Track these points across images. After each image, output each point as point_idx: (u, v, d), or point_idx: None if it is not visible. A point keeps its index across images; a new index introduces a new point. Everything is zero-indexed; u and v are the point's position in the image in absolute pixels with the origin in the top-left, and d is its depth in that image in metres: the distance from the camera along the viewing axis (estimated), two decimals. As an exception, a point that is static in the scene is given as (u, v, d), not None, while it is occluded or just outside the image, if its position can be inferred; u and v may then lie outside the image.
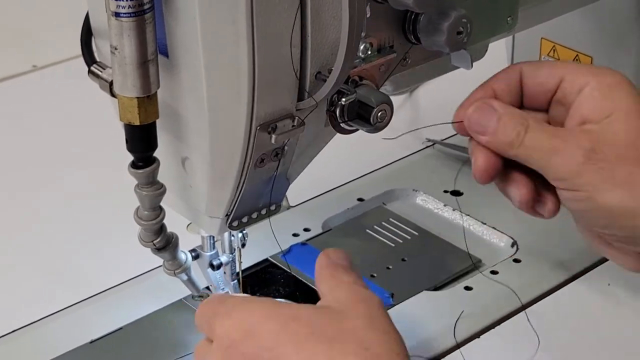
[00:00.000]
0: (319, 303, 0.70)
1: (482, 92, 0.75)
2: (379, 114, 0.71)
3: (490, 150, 0.73)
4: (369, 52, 0.72)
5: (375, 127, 0.71)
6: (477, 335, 0.83)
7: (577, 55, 1.06)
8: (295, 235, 0.96)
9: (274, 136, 0.69)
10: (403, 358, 0.66)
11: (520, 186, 0.74)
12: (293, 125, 0.70)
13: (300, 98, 0.70)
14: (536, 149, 0.71)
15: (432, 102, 1.17)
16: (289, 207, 0.99)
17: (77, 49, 0.96)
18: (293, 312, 0.67)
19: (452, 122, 0.75)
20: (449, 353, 0.82)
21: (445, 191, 1.02)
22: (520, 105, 0.75)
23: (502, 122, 0.72)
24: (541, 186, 0.74)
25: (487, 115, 0.73)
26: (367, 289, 0.71)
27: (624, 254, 0.74)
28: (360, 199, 1.01)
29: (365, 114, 0.71)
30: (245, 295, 0.70)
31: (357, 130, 0.73)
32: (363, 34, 0.69)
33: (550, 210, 0.74)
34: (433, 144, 1.08)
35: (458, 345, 0.82)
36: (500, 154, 0.73)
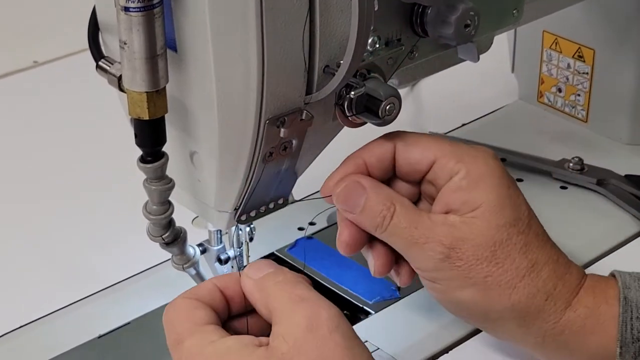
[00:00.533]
0: (272, 335, 0.66)
1: (353, 164, 0.75)
2: (388, 107, 0.71)
3: (356, 225, 0.75)
4: (377, 46, 0.73)
5: (384, 120, 0.71)
6: (476, 332, 0.83)
7: (579, 47, 1.06)
8: (300, 229, 0.96)
9: (282, 130, 0.70)
10: None
11: (378, 257, 0.76)
12: (302, 119, 0.70)
13: (308, 92, 0.70)
14: (399, 237, 0.73)
15: (435, 96, 1.17)
16: (294, 201, 0.99)
17: (79, 45, 0.97)
18: None
19: (322, 197, 0.76)
20: (457, 345, 0.82)
21: (450, 184, 1.02)
22: (393, 175, 0.77)
23: (369, 204, 0.73)
24: (400, 258, 0.76)
25: (355, 194, 0.74)
26: (314, 301, 0.67)
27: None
28: (365, 193, 1.01)
29: (373, 107, 0.71)
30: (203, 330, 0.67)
31: (364, 123, 0.74)
32: (371, 28, 0.69)
33: (404, 282, 0.77)
34: (437, 137, 1.08)
35: (465, 338, 0.82)
36: (365, 231, 0.75)
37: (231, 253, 0.83)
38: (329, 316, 0.65)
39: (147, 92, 0.67)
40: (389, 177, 0.77)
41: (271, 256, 0.93)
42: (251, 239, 0.83)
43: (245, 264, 0.84)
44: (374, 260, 0.76)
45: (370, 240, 0.76)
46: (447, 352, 0.81)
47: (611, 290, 0.74)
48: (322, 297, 0.67)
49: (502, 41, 1.10)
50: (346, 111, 0.72)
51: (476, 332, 0.83)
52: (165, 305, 0.84)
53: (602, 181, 0.99)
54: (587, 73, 1.06)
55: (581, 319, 0.73)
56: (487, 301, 0.73)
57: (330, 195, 0.75)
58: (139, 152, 0.71)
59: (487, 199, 0.73)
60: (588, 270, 0.77)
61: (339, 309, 0.66)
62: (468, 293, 0.73)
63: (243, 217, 0.75)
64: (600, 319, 0.73)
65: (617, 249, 0.93)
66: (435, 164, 0.75)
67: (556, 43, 1.08)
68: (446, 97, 1.17)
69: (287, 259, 0.92)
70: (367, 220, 0.74)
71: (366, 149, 0.76)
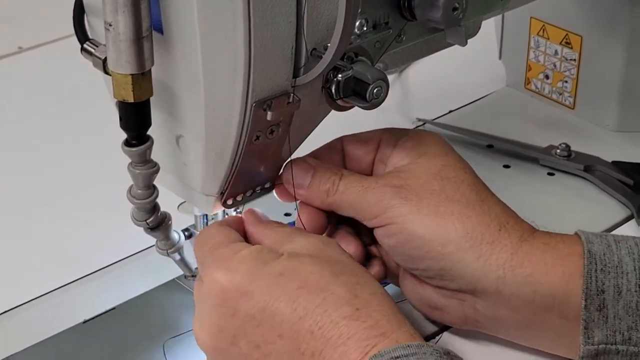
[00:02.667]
0: (286, 251, 0.71)
1: (306, 160, 0.78)
2: (375, 91, 0.71)
3: (312, 207, 0.77)
4: (365, 29, 0.72)
5: (371, 103, 0.71)
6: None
7: (566, 34, 1.06)
8: (287, 214, 0.95)
9: (269, 113, 0.69)
10: (386, 294, 0.69)
11: (348, 243, 0.78)
12: (289, 102, 0.70)
13: (295, 75, 0.70)
14: (350, 192, 0.76)
15: (422, 82, 1.17)
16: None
17: (64, 30, 0.96)
18: (280, 267, 0.69)
19: (274, 185, 0.78)
20: (444, 331, 0.82)
21: (437, 170, 1.01)
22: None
23: (318, 174, 0.76)
24: (369, 252, 0.79)
25: (303, 171, 0.77)
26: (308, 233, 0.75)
27: (449, 306, 0.77)
28: (351, 179, 1.01)
29: (361, 91, 0.71)
30: (240, 246, 0.72)
31: (352, 107, 0.73)
32: (359, 10, 0.69)
33: (377, 273, 0.79)
34: (424, 124, 1.08)
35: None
36: (319, 206, 0.77)
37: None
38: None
39: (132, 74, 0.67)
40: None
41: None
42: (237, 224, 0.82)
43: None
44: (346, 247, 0.77)
45: (336, 234, 0.79)
46: (434, 337, 0.80)
47: (575, 245, 0.74)
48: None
49: (489, 28, 1.10)
50: (333, 94, 0.72)
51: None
52: (150, 290, 0.86)
53: (589, 167, 0.99)
54: (575, 60, 1.06)
55: (540, 252, 0.73)
56: (442, 231, 0.73)
57: (281, 184, 0.78)
58: (124, 135, 0.70)
59: (430, 149, 0.77)
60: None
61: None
62: (423, 224, 0.73)
63: (229, 201, 0.75)
64: (560, 253, 0.73)
65: (604, 235, 0.93)
66: (381, 141, 0.79)
67: (544, 29, 1.08)
68: (433, 84, 1.17)
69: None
70: (318, 188, 0.76)
71: (317, 151, 0.79)
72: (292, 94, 0.70)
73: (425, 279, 0.76)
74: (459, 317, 0.77)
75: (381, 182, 0.75)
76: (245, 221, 0.76)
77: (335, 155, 0.79)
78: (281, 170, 0.77)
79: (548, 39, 1.08)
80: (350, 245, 0.77)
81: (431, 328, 0.81)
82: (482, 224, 0.74)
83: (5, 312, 0.85)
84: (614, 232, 0.93)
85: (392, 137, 0.79)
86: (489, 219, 0.74)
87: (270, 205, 0.93)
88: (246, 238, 0.76)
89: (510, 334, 0.77)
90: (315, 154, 0.79)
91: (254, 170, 0.74)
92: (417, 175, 0.76)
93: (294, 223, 0.94)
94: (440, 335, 0.80)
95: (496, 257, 0.73)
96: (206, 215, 0.82)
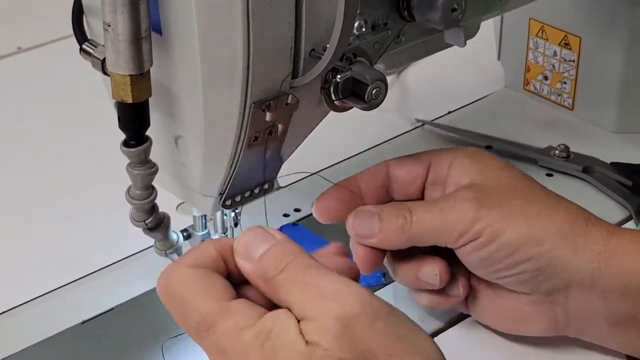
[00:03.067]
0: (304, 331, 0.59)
1: (348, 191, 0.77)
2: (374, 92, 0.71)
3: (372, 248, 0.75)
4: (363, 30, 0.72)
5: (370, 104, 0.71)
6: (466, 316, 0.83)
7: (565, 35, 1.06)
8: (285, 215, 0.95)
9: (268, 114, 0.69)
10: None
11: (434, 263, 0.76)
12: (287, 103, 0.70)
13: (294, 76, 0.69)
14: (428, 221, 0.74)
15: (421, 83, 1.17)
16: (279, 188, 0.98)
17: (63, 31, 0.96)
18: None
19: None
20: (444, 331, 0.82)
21: (435, 171, 1.01)
22: (389, 200, 0.78)
23: (385, 216, 0.74)
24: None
25: (367, 220, 0.75)
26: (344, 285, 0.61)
27: (537, 314, 0.76)
28: (350, 179, 1.01)
29: (359, 92, 0.71)
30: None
31: (351, 108, 0.73)
32: (358, 11, 0.69)
33: (464, 288, 0.77)
34: (423, 125, 1.08)
35: (452, 323, 0.82)
36: (396, 247, 0.75)
37: (216, 238, 0.83)
38: (362, 304, 0.59)
39: (130, 75, 0.67)
40: (386, 202, 0.78)
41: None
42: (236, 224, 0.82)
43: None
44: (432, 268, 0.76)
45: (414, 260, 0.77)
46: (434, 337, 0.80)
47: None
48: (341, 277, 0.61)
49: (488, 29, 1.10)
50: (332, 95, 0.72)
51: (462, 318, 0.82)
52: (149, 291, 0.85)
53: (588, 168, 0.99)
54: (574, 61, 1.06)
55: (631, 244, 0.73)
56: (534, 232, 0.73)
57: (324, 207, 0.78)
58: (123, 136, 0.70)
59: (490, 162, 0.77)
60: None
61: (366, 288, 0.61)
62: (514, 229, 0.73)
63: (228, 202, 0.75)
64: None
65: (602, 236, 0.93)
66: (432, 164, 0.78)
67: (542, 30, 1.08)
68: (432, 85, 1.17)
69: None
70: (390, 230, 0.74)
71: (358, 174, 0.78)
72: (290, 95, 0.70)
73: (516, 287, 0.75)
74: (548, 324, 0.76)
75: (458, 199, 0.74)
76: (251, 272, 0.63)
77: (380, 181, 0.78)
78: (323, 203, 0.77)
79: (547, 40, 1.08)
80: (438, 265, 0.76)
81: (430, 328, 0.81)
82: (569, 219, 0.74)
83: (4, 312, 0.85)
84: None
85: (444, 157, 0.77)
86: (574, 215, 0.74)
87: (269, 205, 0.93)
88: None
89: (602, 332, 0.76)
90: (359, 179, 0.78)
91: (252, 171, 0.74)
92: (489, 186, 0.75)
93: (293, 224, 0.94)
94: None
95: (590, 249, 0.73)
96: (204, 215, 0.82)
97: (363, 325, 0.59)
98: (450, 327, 0.82)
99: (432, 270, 0.76)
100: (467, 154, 0.78)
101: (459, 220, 0.73)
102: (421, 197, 0.79)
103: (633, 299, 0.73)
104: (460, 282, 0.77)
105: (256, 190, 0.76)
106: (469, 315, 0.81)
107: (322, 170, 1.02)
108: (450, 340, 0.80)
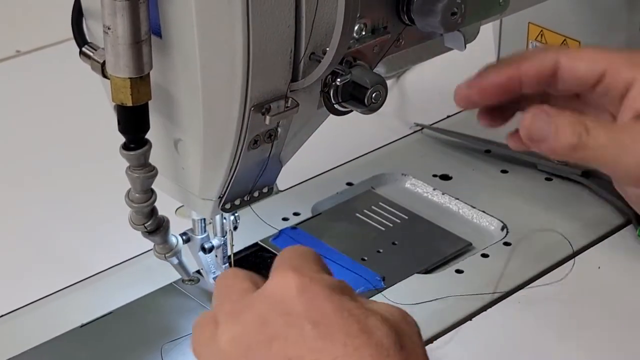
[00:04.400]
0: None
1: (507, 76, 0.71)
2: (374, 95, 0.70)
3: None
4: (363, 33, 0.72)
5: (370, 108, 0.71)
6: (469, 318, 0.83)
7: (564, 39, 1.06)
8: (284, 219, 0.95)
9: (268, 117, 0.69)
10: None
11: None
12: (287, 106, 0.70)
13: (294, 79, 0.69)
14: (602, 149, 0.67)
15: (420, 87, 1.17)
16: (278, 192, 0.99)
17: (62, 34, 0.96)
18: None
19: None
20: (441, 336, 0.82)
21: (435, 175, 1.02)
22: (545, 94, 0.72)
23: (560, 127, 0.68)
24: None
25: (545, 124, 0.68)
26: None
27: None
28: (349, 184, 1.01)
29: (359, 95, 0.71)
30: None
31: (350, 111, 0.73)
32: (358, 15, 0.69)
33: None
34: (422, 129, 1.08)
35: (449, 328, 0.82)
36: (561, 159, 0.70)
37: (215, 242, 0.83)
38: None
39: (130, 78, 0.67)
40: (542, 93, 0.72)
41: (255, 246, 0.92)
42: (235, 228, 0.82)
43: (229, 253, 0.83)
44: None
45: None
46: (432, 342, 0.80)
47: None
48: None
49: (487, 33, 1.10)
50: (332, 99, 0.72)
51: (461, 322, 0.82)
52: (148, 294, 0.85)
53: (587, 173, 0.99)
54: (573, 65, 1.06)
55: None
56: None
57: (462, 99, 0.71)
58: (122, 139, 0.70)
59: None
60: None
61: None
62: None
63: (227, 206, 0.74)
64: None
65: (601, 240, 0.93)
66: (605, 76, 0.70)
67: (542, 35, 1.08)
68: (431, 89, 1.17)
69: (271, 249, 0.92)
70: (563, 143, 0.67)
71: (523, 59, 0.71)
72: (290, 98, 0.70)
73: None
74: None
75: (637, 137, 0.67)
76: None
77: (547, 71, 0.70)
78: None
79: (546, 44, 1.08)
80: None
81: (431, 331, 0.81)
82: None
83: (3, 315, 0.85)
84: (611, 238, 0.93)
85: (620, 74, 0.70)
86: None
87: (269, 210, 0.94)
88: None
89: None
90: (521, 67, 0.70)
91: (252, 174, 0.73)
92: None
93: (292, 228, 0.94)
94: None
95: None
96: (204, 219, 0.82)
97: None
98: (456, 327, 0.82)
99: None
100: None
101: (637, 162, 0.67)
102: (579, 103, 0.72)
103: None
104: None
105: (256, 194, 0.76)
106: (473, 316, 0.82)
107: (321, 174, 1.02)
108: (454, 341, 0.81)
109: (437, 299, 0.84)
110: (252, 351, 0.59)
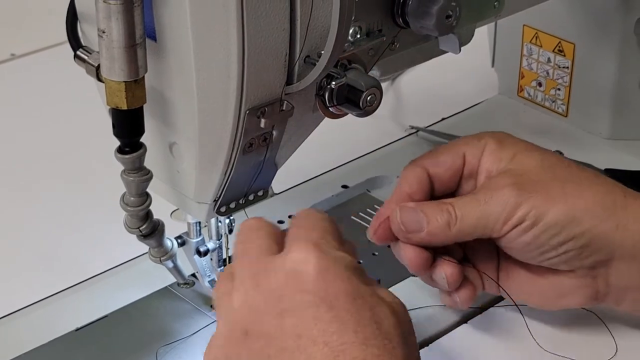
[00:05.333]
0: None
1: (398, 199, 0.78)
2: (369, 98, 0.71)
3: (416, 246, 0.77)
4: (358, 36, 0.72)
5: (365, 111, 0.71)
6: (464, 320, 0.83)
7: (559, 42, 1.06)
8: (280, 222, 0.95)
9: (263, 120, 0.69)
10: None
11: (443, 266, 0.77)
12: (282, 110, 0.70)
13: (289, 82, 0.69)
14: (472, 214, 0.75)
15: (415, 90, 1.17)
16: (273, 195, 0.99)
17: (57, 37, 0.96)
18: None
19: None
20: (436, 339, 0.82)
21: (430, 178, 1.01)
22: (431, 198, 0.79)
23: (429, 212, 0.75)
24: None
25: (412, 214, 0.76)
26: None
27: (578, 288, 0.77)
28: (344, 186, 1.01)
29: (354, 98, 0.71)
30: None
31: (345, 114, 0.73)
32: (352, 18, 0.69)
33: (466, 298, 0.79)
34: (417, 131, 1.08)
35: (447, 329, 0.82)
36: (443, 242, 0.76)
37: (210, 245, 0.83)
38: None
39: (125, 81, 0.67)
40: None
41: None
42: (231, 231, 0.82)
43: (225, 256, 0.83)
44: (446, 275, 0.77)
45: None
46: (428, 345, 0.81)
47: None
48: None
49: (482, 35, 1.10)
50: (327, 102, 0.72)
51: (459, 323, 0.83)
52: (144, 298, 0.85)
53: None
54: (567, 67, 1.06)
55: None
56: (576, 211, 0.73)
57: (383, 227, 0.78)
58: (117, 143, 0.70)
59: (518, 147, 0.77)
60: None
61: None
62: (557, 210, 0.73)
63: (222, 209, 0.75)
64: None
65: (597, 243, 0.93)
66: (466, 155, 0.78)
67: (536, 37, 1.08)
68: (426, 92, 1.17)
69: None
70: (437, 225, 0.75)
71: (403, 182, 0.78)
72: (285, 101, 0.70)
73: (561, 266, 0.76)
74: (589, 295, 0.77)
75: (497, 188, 0.75)
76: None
77: (425, 185, 0.78)
78: (394, 217, 0.77)
79: (541, 46, 1.08)
80: (452, 269, 0.77)
81: (427, 333, 0.81)
82: (608, 193, 0.75)
83: (-2, 319, 0.85)
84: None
85: (476, 147, 0.78)
86: (611, 187, 0.75)
87: (264, 213, 0.93)
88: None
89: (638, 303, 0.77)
90: (405, 190, 0.78)
91: (247, 178, 0.74)
92: (524, 169, 0.75)
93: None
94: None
95: (632, 221, 0.74)
96: (199, 222, 0.81)
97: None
98: (454, 328, 0.82)
99: (441, 274, 0.77)
100: (497, 140, 0.78)
101: (502, 207, 0.74)
102: (456, 190, 0.79)
103: None
104: (469, 287, 0.79)
105: (251, 197, 0.76)
106: (469, 319, 0.82)
107: (316, 177, 1.02)
108: (452, 342, 0.81)
109: (433, 305, 0.84)
110: (264, 321, 0.63)
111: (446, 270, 0.77)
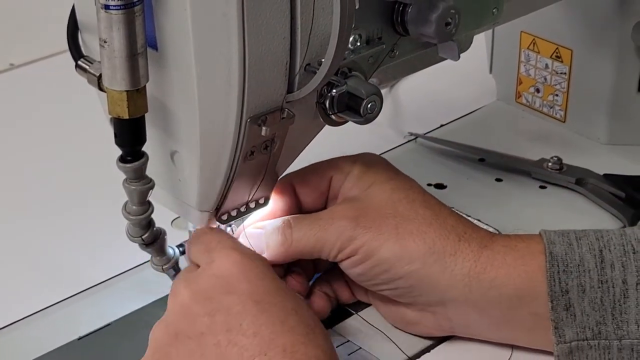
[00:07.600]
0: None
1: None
2: (369, 106, 0.71)
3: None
4: (358, 44, 0.73)
5: (365, 118, 0.71)
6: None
7: (557, 48, 1.07)
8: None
9: (264, 128, 0.69)
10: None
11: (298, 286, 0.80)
12: (283, 117, 0.70)
13: (290, 90, 0.70)
14: (307, 238, 0.77)
15: (413, 97, 1.18)
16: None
17: (56, 47, 0.96)
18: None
19: (268, 199, 0.78)
20: (439, 344, 0.82)
21: (429, 184, 1.02)
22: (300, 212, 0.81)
23: (268, 232, 0.77)
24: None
25: (255, 237, 0.78)
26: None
27: (422, 319, 0.79)
28: (344, 193, 1.01)
29: (355, 106, 0.71)
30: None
31: (346, 122, 0.74)
32: (352, 26, 0.69)
33: (322, 307, 0.81)
34: (416, 138, 1.09)
35: (447, 337, 0.82)
36: (284, 261, 0.78)
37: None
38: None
39: (127, 90, 0.67)
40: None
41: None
42: (232, 239, 0.82)
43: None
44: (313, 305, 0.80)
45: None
46: (429, 351, 0.81)
47: (534, 244, 0.76)
48: None
49: (480, 42, 1.10)
50: (328, 109, 0.72)
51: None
52: (146, 306, 0.85)
53: (581, 180, 0.99)
54: (565, 73, 1.07)
55: (501, 255, 0.76)
56: (405, 251, 0.75)
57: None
58: (119, 152, 0.70)
59: (378, 176, 0.79)
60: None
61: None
62: (387, 248, 0.75)
63: (224, 217, 0.75)
64: (520, 253, 0.76)
65: (596, 248, 0.93)
66: (332, 179, 0.80)
67: (534, 43, 1.09)
68: (425, 98, 1.17)
69: (267, 260, 0.92)
70: (274, 244, 0.77)
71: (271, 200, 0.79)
72: (286, 110, 0.70)
73: (396, 298, 0.78)
74: (435, 327, 0.79)
75: (337, 217, 0.77)
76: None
77: (290, 202, 0.80)
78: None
79: (538, 52, 1.08)
80: (300, 286, 0.80)
81: (421, 345, 0.82)
82: (442, 237, 0.76)
83: (0, 329, 0.84)
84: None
85: (342, 170, 0.80)
86: (447, 231, 0.77)
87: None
88: None
89: (485, 334, 0.79)
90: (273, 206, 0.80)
91: (248, 185, 0.74)
92: (369, 203, 0.77)
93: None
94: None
95: (460, 267, 0.76)
96: (201, 230, 0.82)
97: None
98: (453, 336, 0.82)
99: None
100: (361, 168, 0.79)
101: (337, 237, 0.76)
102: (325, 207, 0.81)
103: (507, 307, 0.76)
104: (319, 297, 0.81)
105: (252, 205, 0.76)
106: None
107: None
108: (452, 349, 0.81)
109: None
110: (196, 321, 0.69)
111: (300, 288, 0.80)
